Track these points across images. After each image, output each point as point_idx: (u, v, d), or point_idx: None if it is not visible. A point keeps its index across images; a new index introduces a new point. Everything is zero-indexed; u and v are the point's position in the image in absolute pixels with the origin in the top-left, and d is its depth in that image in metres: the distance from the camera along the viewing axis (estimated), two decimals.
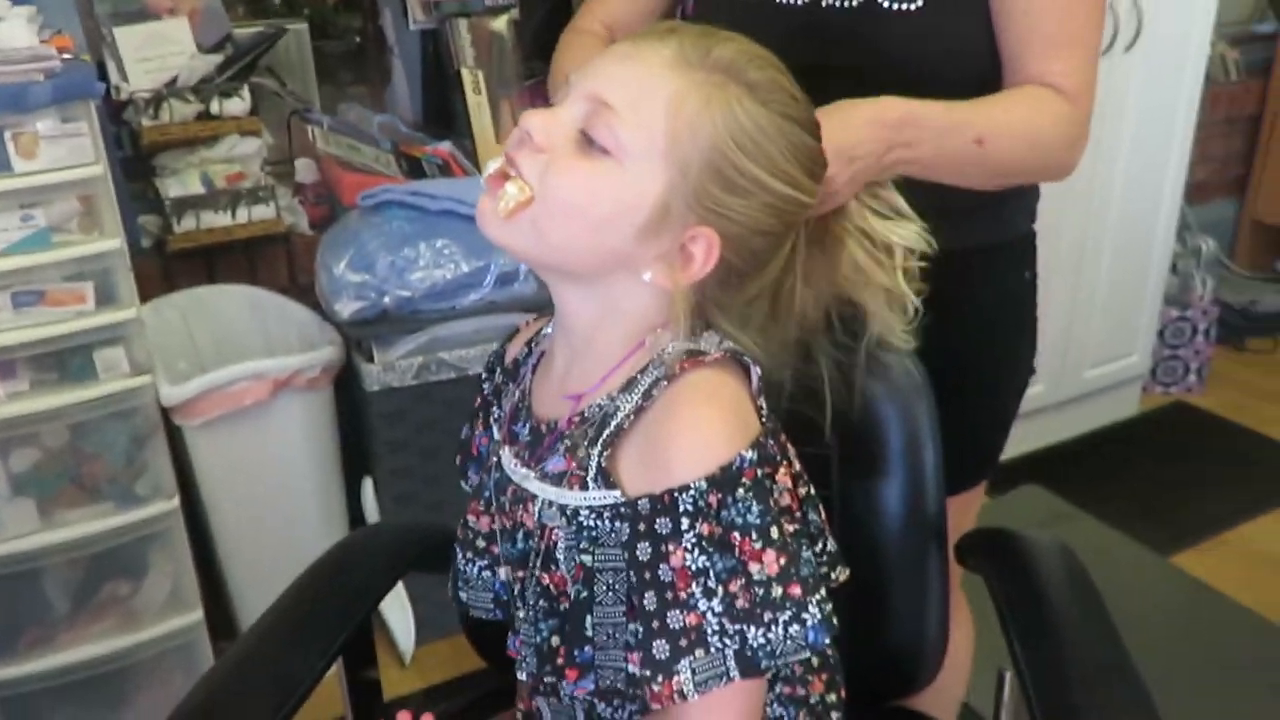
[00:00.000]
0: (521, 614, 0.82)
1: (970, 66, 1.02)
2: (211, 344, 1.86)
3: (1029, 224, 1.20)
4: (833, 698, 0.91)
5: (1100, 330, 2.53)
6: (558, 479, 0.77)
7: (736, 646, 0.70)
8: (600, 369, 0.78)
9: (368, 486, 1.87)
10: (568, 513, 0.76)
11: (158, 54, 1.91)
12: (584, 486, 0.75)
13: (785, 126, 0.74)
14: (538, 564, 0.79)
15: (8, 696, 1.56)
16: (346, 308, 1.68)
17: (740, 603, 0.69)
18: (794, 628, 0.70)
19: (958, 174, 0.97)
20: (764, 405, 0.78)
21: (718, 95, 0.72)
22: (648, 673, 0.71)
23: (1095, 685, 0.76)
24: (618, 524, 0.74)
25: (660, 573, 0.71)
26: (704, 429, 0.72)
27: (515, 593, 0.84)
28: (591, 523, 0.75)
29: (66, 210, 1.43)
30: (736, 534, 0.70)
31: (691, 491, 0.70)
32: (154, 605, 1.66)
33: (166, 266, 1.89)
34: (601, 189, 0.72)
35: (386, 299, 1.69)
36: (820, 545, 0.83)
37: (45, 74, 1.34)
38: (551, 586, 0.79)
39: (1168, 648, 1.87)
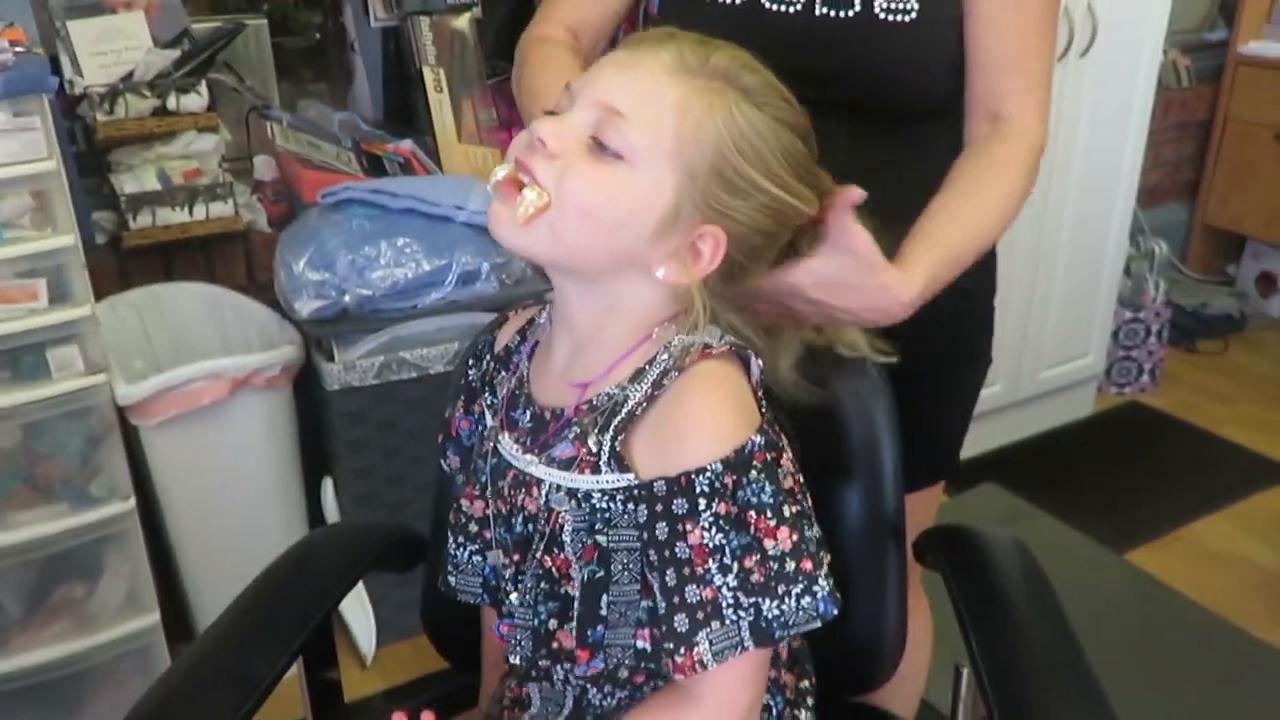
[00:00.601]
0: (515, 598, 0.85)
1: (959, 79, 1.05)
2: (168, 342, 1.83)
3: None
4: (805, 684, 0.94)
5: (1056, 331, 2.57)
6: (567, 464, 0.80)
7: (751, 618, 0.73)
8: (606, 359, 0.81)
9: (328, 487, 1.85)
10: (578, 496, 0.79)
11: (113, 48, 1.88)
12: (596, 470, 0.78)
13: (779, 131, 0.77)
14: (540, 547, 0.81)
15: None
16: (306, 306, 1.67)
17: (755, 577, 0.73)
18: (805, 599, 0.74)
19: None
20: (762, 395, 0.82)
21: (719, 101, 0.75)
22: (669, 645, 0.75)
23: (1050, 681, 0.78)
24: (631, 505, 0.77)
25: (678, 550, 0.74)
26: (717, 415, 0.76)
27: (507, 577, 0.86)
28: (604, 505, 0.79)
29: (18, 205, 1.40)
30: (752, 512, 0.74)
31: (708, 473, 0.73)
32: (110, 608, 1.64)
33: (122, 264, 1.87)
34: (617, 191, 0.75)
35: (347, 297, 1.67)
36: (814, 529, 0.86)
37: None
38: (554, 569, 0.82)
39: (1121, 643, 1.90)
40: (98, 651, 1.63)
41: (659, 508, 0.75)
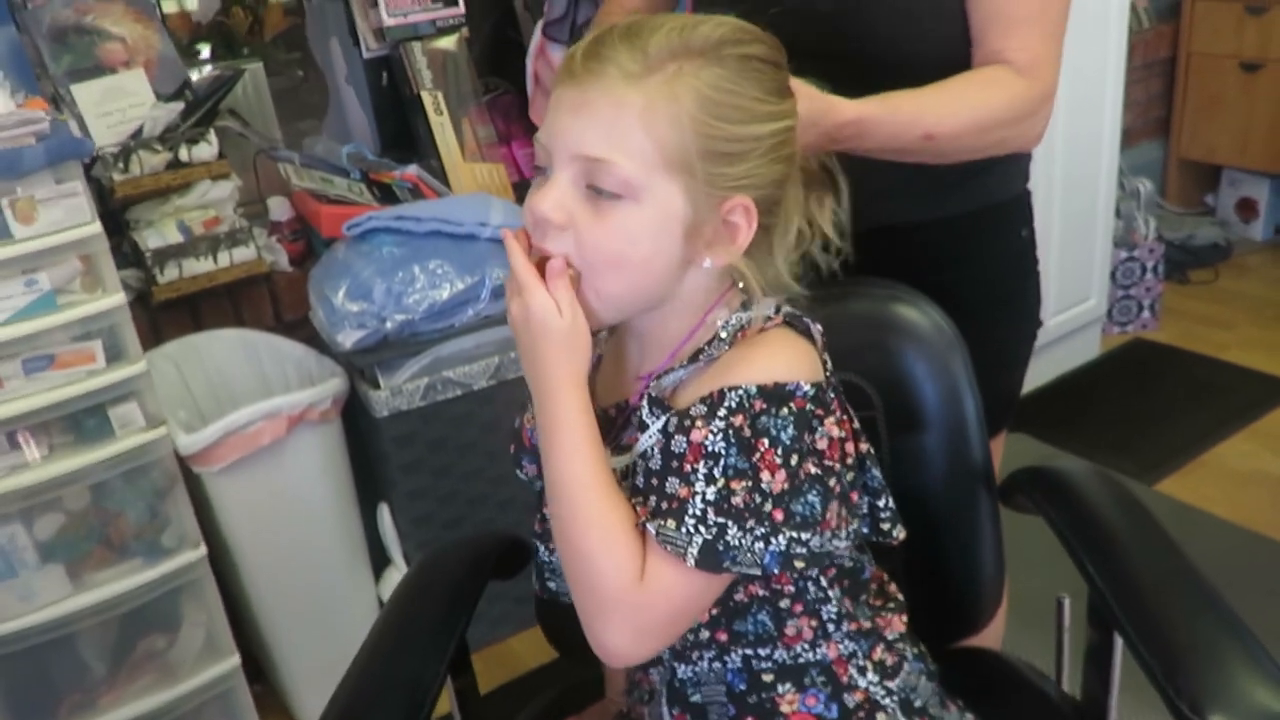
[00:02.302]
0: None
1: (952, 49, 1.07)
2: (208, 390, 1.86)
3: (1023, 184, 1.26)
4: (901, 630, 0.94)
5: (1058, 278, 2.63)
6: (629, 448, 0.80)
7: (709, 537, 0.72)
8: (666, 350, 0.82)
9: (384, 512, 1.88)
10: (636, 460, 0.79)
11: (118, 107, 1.90)
12: (644, 428, 0.78)
13: (746, 69, 0.76)
14: None
15: None
16: (349, 338, 1.70)
17: (736, 499, 0.72)
18: (759, 545, 0.72)
19: (908, 158, 1.02)
20: (828, 361, 0.83)
21: (678, 86, 0.73)
22: (637, 499, 0.76)
23: (1175, 591, 0.82)
24: (669, 432, 0.76)
25: (675, 443, 0.74)
26: (772, 357, 0.76)
27: None
28: (654, 451, 0.77)
29: (68, 271, 1.42)
30: (765, 441, 0.72)
31: (741, 390, 0.73)
32: (190, 656, 1.66)
33: (152, 318, 1.88)
34: (633, 232, 0.74)
35: (387, 324, 1.70)
36: (883, 500, 0.88)
37: (36, 137, 1.34)
38: None
39: None
40: (182, 701, 1.65)
41: (686, 422, 0.74)
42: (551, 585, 0.94)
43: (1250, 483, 2.29)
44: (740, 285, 0.81)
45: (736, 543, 0.72)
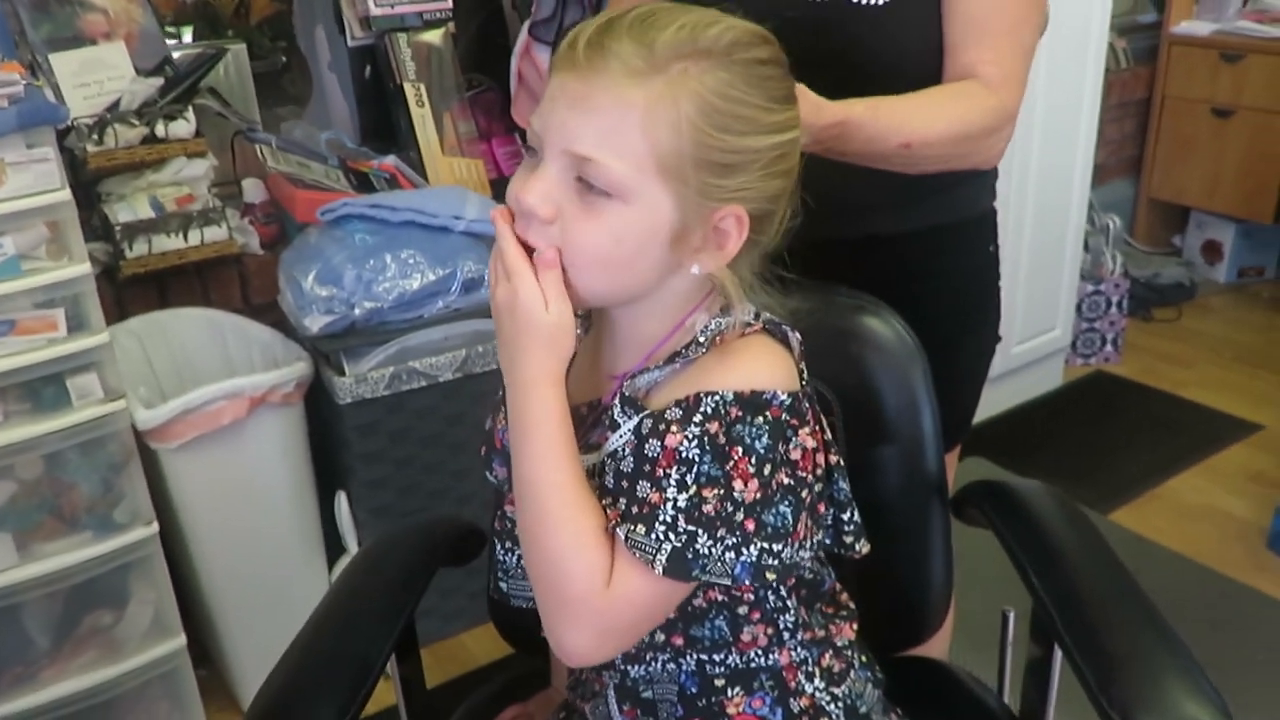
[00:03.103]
0: None
1: (932, 61, 1.09)
2: (171, 368, 1.84)
3: (990, 201, 1.28)
4: (850, 638, 0.94)
5: (1024, 307, 2.67)
6: (599, 446, 0.80)
7: (679, 545, 0.71)
8: (642, 350, 0.81)
9: (341, 501, 1.87)
10: (606, 459, 0.78)
11: (96, 79, 1.88)
12: (615, 428, 0.77)
13: (751, 73, 0.74)
14: None
15: None
16: (316, 322, 1.69)
17: (708, 509, 0.71)
18: (729, 555, 0.72)
19: (877, 164, 1.03)
20: (804, 370, 0.82)
21: (681, 88, 0.71)
22: (606, 500, 0.76)
23: (1116, 607, 0.83)
24: (641, 435, 0.76)
25: (649, 447, 0.74)
26: (749, 363, 0.76)
27: None
28: (625, 452, 0.77)
29: (34, 237, 1.41)
30: (739, 449, 0.72)
31: (717, 396, 0.73)
32: (136, 634, 1.64)
33: (118, 293, 1.87)
34: (619, 232, 0.73)
35: (356, 311, 1.70)
36: (848, 514, 0.88)
37: (9, 100, 1.33)
38: None
39: None
40: (126, 678, 1.63)
41: (661, 426, 0.74)
42: (504, 586, 0.94)
43: (1201, 517, 2.33)
44: (717, 291, 0.80)
45: (706, 551, 0.71)
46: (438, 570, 0.99)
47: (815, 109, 0.92)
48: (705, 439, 0.72)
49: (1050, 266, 2.70)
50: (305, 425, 1.80)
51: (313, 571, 1.87)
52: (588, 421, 0.83)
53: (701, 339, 0.78)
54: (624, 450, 0.76)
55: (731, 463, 0.72)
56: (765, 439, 0.73)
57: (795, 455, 0.76)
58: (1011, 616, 1.06)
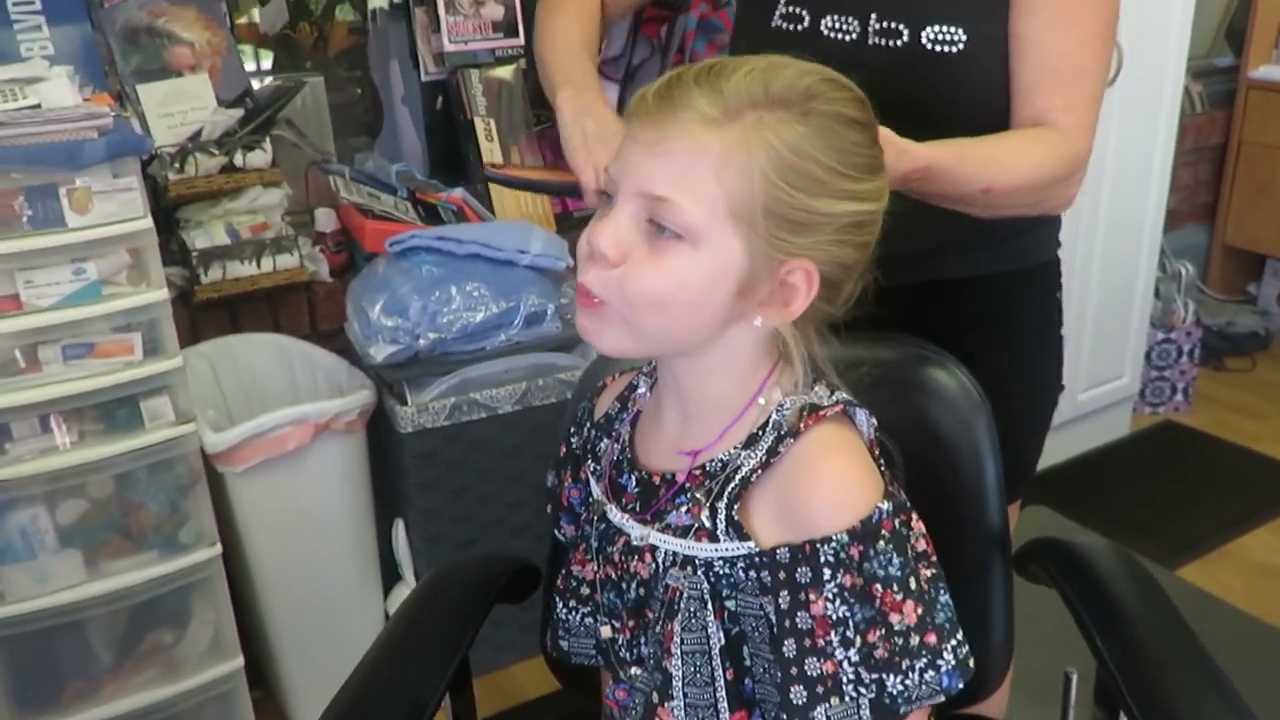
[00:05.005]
0: (633, 667, 0.85)
1: (1004, 106, 1.08)
2: (239, 392, 1.88)
3: (1055, 249, 1.27)
4: None
5: (1091, 354, 2.62)
6: (683, 532, 0.79)
7: (872, 695, 0.72)
8: (717, 424, 0.79)
9: (399, 528, 1.89)
10: (695, 564, 0.78)
11: (179, 109, 1.95)
12: (714, 539, 0.77)
13: (830, 132, 0.72)
14: (663, 613, 0.80)
15: None
16: (381, 351, 1.72)
17: (879, 652, 0.72)
18: (929, 674, 0.73)
19: (955, 206, 1.02)
20: (879, 454, 0.81)
21: (754, 137, 0.70)
22: (784, 717, 0.74)
23: (1182, 672, 0.81)
24: (753, 573, 0.76)
25: (799, 620, 0.73)
26: (842, 482, 0.75)
27: (621, 643, 0.86)
28: (725, 571, 0.77)
29: (116, 263, 1.45)
30: (878, 585, 0.72)
31: (834, 543, 0.72)
32: (195, 654, 1.67)
33: (192, 317, 1.92)
34: (684, 278, 0.72)
35: (420, 342, 1.72)
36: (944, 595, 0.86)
37: (99, 131, 1.37)
38: (662, 639, 0.80)
39: None
40: (183, 698, 1.66)
41: (782, 575, 0.73)
42: (564, 644, 0.93)
43: (1273, 576, 2.25)
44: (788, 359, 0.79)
45: (902, 686, 0.72)
46: (493, 606, 0.99)
47: (900, 153, 0.89)
48: (844, 593, 0.72)
49: (1119, 313, 2.65)
50: (367, 452, 1.83)
51: (368, 597, 1.90)
52: (661, 495, 0.82)
53: (777, 417, 0.77)
54: (725, 567, 0.77)
55: (878, 599, 0.72)
56: (895, 559, 0.73)
57: (921, 546, 0.78)
58: (1074, 678, 1.03)
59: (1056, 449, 2.66)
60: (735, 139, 0.70)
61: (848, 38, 1.08)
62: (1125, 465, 2.73)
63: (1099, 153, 2.39)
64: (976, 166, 0.98)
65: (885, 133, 0.86)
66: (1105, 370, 2.68)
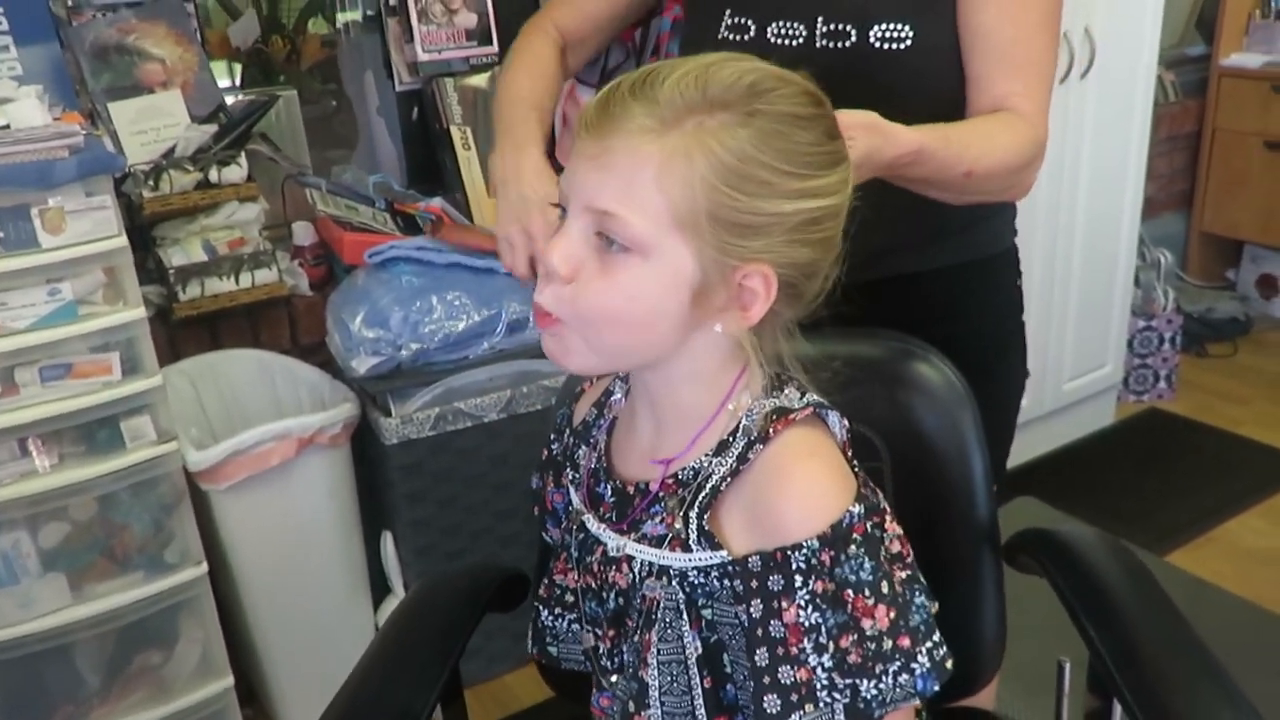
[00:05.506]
0: (616, 677, 0.84)
1: (955, 100, 1.08)
2: (222, 409, 1.87)
3: (1012, 237, 1.28)
4: None
5: (1075, 344, 2.63)
6: (658, 541, 0.78)
7: (846, 700, 0.71)
8: (689, 432, 0.79)
9: (387, 541, 1.88)
10: (671, 573, 0.77)
11: (152, 126, 1.93)
12: (687, 549, 0.76)
13: (775, 132, 0.70)
14: (641, 623, 0.80)
15: None
16: (363, 364, 1.71)
17: (853, 658, 0.71)
18: (903, 677, 0.72)
19: (936, 192, 1.02)
20: (851, 454, 0.80)
21: (695, 143, 0.69)
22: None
23: (1176, 661, 0.81)
24: (726, 582, 0.75)
25: (772, 629, 0.72)
26: (812, 487, 0.73)
27: (603, 652, 0.86)
28: (700, 580, 0.77)
29: (91, 282, 1.44)
30: (850, 591, 0.71)
31: (804, 550, 0.71)
32: (184, 674, 1.66)
33: (171, 335, 1.90)
34: (634, 290, 0.71)
35: (402, 352, 1.71)
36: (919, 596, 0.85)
37: (70, 150, 1.36)
38: (640, 648, 0.80)
39: None
40: (174, 719, 1.65)
41: (754, 584, 0.73)
42: (553, 650, 0.93)
43: (1262, 560, 2.26)
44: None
45: (876, 690, 0.71)
46: (483, 617, 0.98)
47: (890, 138, 0.89)
48: (816, 599, 0.71)
49: (1100, 302, 2.66)
50: (352, 466, 1.82)
51: (358, 611, 1.88)
52: (636, 506, 0.81)
53: (747, 422, 0.76)
54: (700, 577, 0.76)
55: (849, 605, 0.71)
56: (867, 563, 0.72)
57: (896, 548, 0.77)
58: (1068, 668, 1.03)
59: (1042, 439, 2.67)
60: (675, 146, 0.69)
61: (794, 43, 1.09)
62: (1111, 454, 2.74)
63: (1076, 144, 2.44)
64: (959, 149, 0.98)
65: (874, 118, 0.87)
66: (1088, 360, 2.69)
